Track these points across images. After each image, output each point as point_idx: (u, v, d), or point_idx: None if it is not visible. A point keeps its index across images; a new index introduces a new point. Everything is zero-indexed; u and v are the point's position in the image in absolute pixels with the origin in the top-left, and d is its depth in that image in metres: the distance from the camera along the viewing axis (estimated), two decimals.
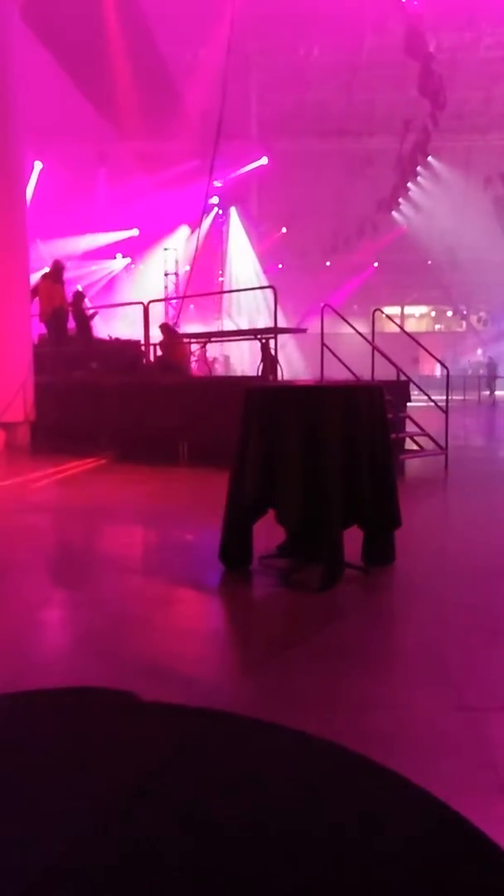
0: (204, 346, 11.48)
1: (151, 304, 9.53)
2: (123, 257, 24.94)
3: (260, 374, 9.16)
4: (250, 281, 22.78)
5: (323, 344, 7.55)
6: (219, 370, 17.38)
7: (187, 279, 15.71)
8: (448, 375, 7.49)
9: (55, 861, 1.27)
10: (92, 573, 3.43)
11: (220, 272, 24.43)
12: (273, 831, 1.35)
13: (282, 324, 8.63)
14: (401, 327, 10.01)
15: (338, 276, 27.65)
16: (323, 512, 2.95)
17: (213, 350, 15.57)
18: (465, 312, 30.74)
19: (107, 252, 24.31)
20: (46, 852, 1.29)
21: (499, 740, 1.76)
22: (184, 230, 23.68)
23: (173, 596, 3.03)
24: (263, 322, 17.50)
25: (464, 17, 19.40)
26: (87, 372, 9.62)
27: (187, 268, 18.41)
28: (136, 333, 11.42)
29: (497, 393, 21.56)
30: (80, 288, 12.63)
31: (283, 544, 3.23)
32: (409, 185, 25.07)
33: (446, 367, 7.65)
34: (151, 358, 10.03)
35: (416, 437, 7.08)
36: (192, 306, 22.27)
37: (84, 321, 10.81)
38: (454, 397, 8.04)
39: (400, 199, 25.81)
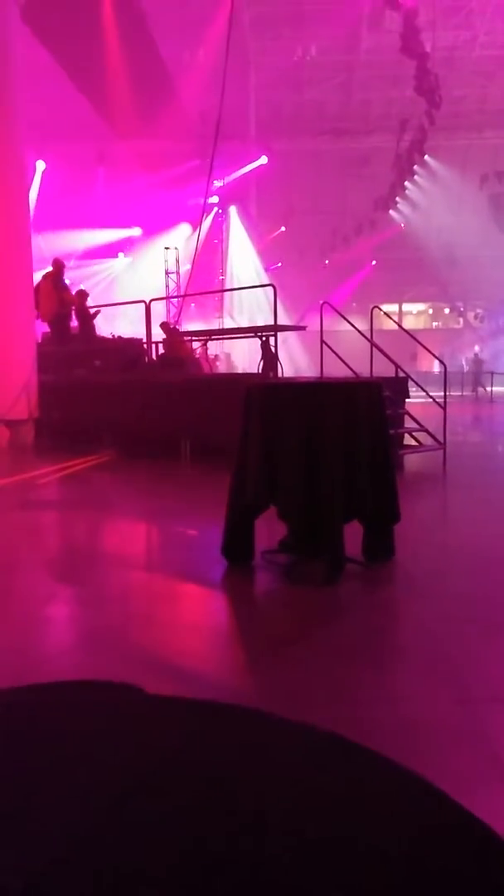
0: (205, 344, 11.51)
1: (152, 303, 9.55)
2: (126, 256, 24.92)
3: (260, 371, 9.20)
4: (251, 279, 22.74)
5: (322, 341, 7.58)
6: (220, 368, 17.39)
7: (188, 278, 15.70)
8: (446, 372, 7.52)
9: (57, 856, 1.27)
10: (96, 569, 3.47)
11: (221, 271, 24.42)
12: (274, 824, 1.36)
13: (282, 321, 8.65)
14: (399, 324, 10.03)
15: (337, 274, 27.64)
16: (324, 507, 2.99)
17: (214, 348, 15.59)
18: (462, 309, 30.73)
19: (108, 251, 24.29)
20: (49, 848, 1.29)
21: (500, 732, 1.78)
22: (184, 228, 23.64)
23: (177, 591, 3.07)
24: (264, 320, 17.53)
25: (460, 15, 19.46)
26: (90, 370, 9.65)
27: (188, 266, 18.39)
28: (136, 332, 11.47)
29: (493, 389, 21.46)
30: (82, 287, 12.65)
31: (285, 539, 3.26)
32: (407, 183, 25.05)
33: (444, 364, 7.68)
34: (153, 356, 10.06)
35: (414, 433, 7.12)
36: (192, 305, 22.25)
37: (87, 320, 10.83)
38: (451, 393, 8.06)
39: (397, 198, 25.78)
